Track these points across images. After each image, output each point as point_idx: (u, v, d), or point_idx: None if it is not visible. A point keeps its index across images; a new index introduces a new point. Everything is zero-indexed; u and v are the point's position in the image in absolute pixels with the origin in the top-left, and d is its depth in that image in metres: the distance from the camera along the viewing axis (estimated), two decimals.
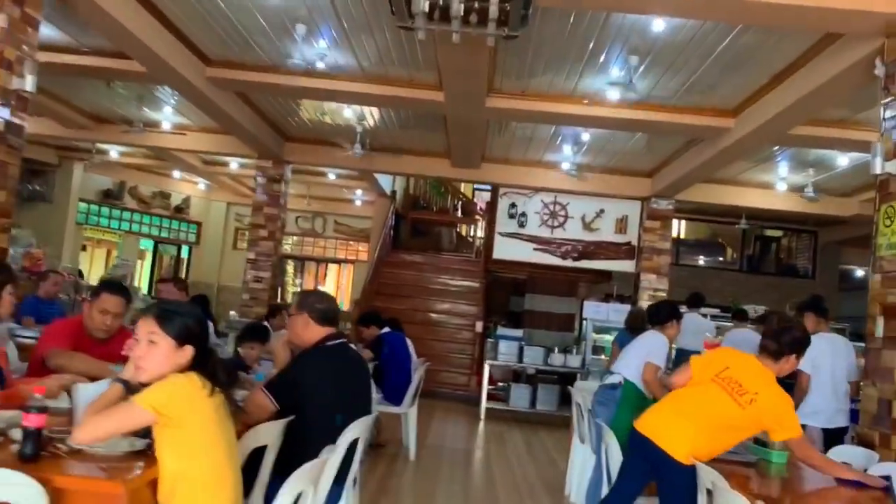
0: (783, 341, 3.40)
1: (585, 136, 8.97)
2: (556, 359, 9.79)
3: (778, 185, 10.55)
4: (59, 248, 13.92)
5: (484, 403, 9.69)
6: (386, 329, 6.78)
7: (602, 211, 11.48)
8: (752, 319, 9.99)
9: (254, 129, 10.05)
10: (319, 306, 3.29)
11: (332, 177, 14.03)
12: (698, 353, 5.64)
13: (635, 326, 7.72)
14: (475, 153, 10.36)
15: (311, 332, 3.25)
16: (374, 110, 9.21)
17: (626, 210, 11.42)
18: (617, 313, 10.65)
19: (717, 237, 14.49)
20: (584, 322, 10.39)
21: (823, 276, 14.29)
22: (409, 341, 7.10)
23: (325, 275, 18.44)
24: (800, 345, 3.44)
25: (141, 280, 16.30)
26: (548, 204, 11.57)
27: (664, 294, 11.08)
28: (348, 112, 9.21)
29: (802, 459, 3.37)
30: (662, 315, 5.19)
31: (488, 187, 13.65)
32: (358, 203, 16.91)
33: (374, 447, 6.88)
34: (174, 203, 16.88)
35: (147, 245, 16.76)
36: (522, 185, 11.31)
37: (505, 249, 11.62)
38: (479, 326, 11.33)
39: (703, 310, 12.20)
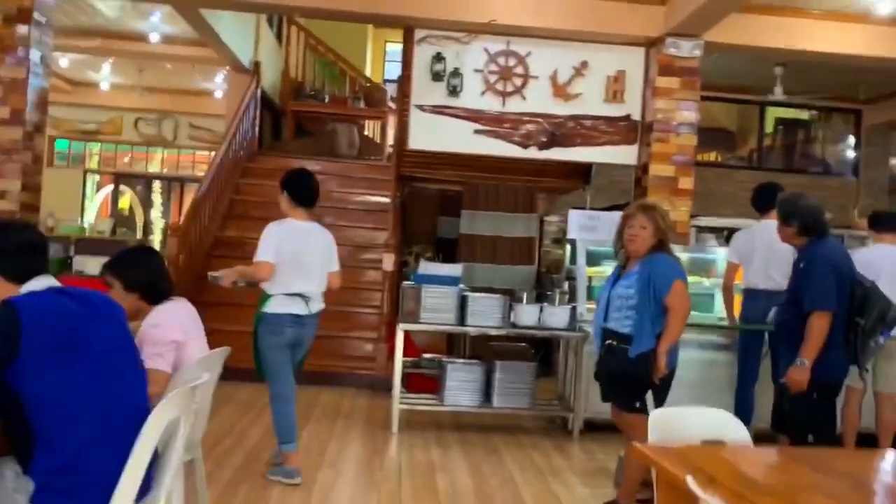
0: None
1: None
2: (526, 313, 5.41)
3: (878, 6, 6.31)
4: None
5: (397, 402, 5.28)
6: (44, 281, 2.03)
7: (584, 65, 6.98)
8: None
9: None
10: None
11: (154, 38, 9.00)
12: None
13: None
14: None
15: None
16: None
17: (623, 62, 6.98)
18: None
19: (726, 121, 10.29)
20: (570, 245, 6.06)
21: (868, 174, 10.37)
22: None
23: (182, 198, 13.48)
24: None
25: None
26: (496, 55, 6.98)
27: (687, 202, 6.82)
28: None
29: None
30: None
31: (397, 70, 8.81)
32: (219, 95, 12.00)
33: None
34: None
35: None
36: (454, 21, 6.71)
37: (428, 134, 7.02)
38: (387, 262, 6.86)
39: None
